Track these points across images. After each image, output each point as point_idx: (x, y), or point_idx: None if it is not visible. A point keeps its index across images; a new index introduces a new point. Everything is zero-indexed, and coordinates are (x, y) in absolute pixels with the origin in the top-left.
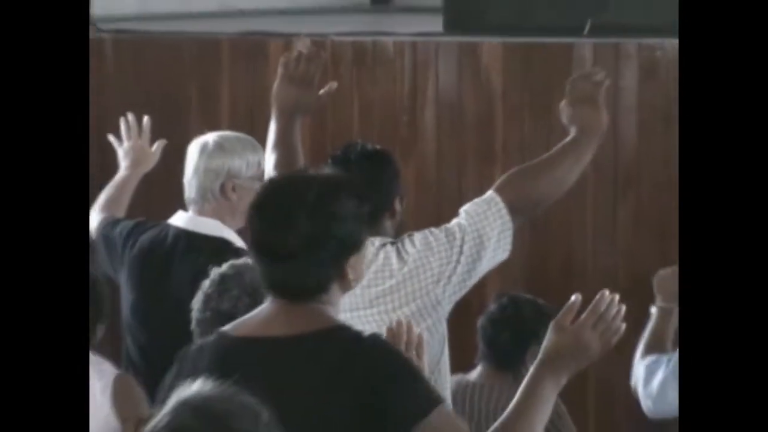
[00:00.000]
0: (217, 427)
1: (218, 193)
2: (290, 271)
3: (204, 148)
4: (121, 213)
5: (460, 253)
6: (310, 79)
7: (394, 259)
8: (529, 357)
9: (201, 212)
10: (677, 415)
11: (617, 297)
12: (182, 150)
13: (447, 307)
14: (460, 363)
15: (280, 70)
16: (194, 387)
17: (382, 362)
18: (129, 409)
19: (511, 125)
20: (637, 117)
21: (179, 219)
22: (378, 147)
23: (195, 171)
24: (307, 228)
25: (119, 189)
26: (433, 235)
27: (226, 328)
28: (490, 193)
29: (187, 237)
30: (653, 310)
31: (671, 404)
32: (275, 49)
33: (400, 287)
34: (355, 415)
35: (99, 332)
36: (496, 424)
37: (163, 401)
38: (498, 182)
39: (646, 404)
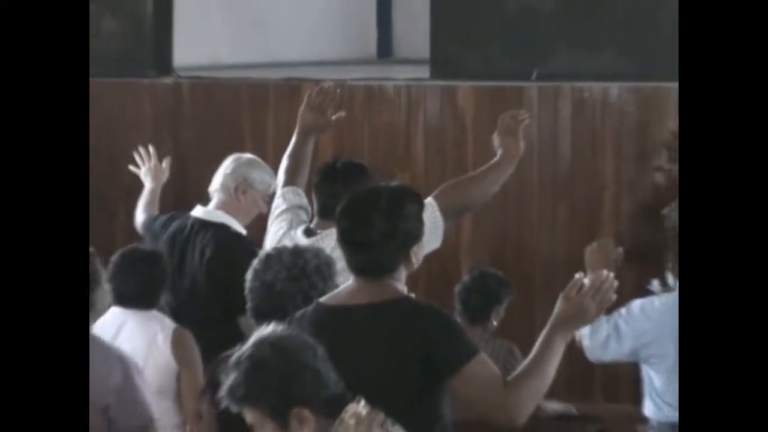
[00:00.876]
0: (286, 358)
1: (232, 191)
2: (369, 257)
3: (236, 159)
4: (156, 211)
5: None
6: (324, 108)
7: None
8: (493, 314)
9: (215, 204)
10: (610, 360)
11: (612, 275)
12: None
13: None
14: None
15: (304, 100)
16: (270, 328)
17: (435, 322)
18: (184, 354)
19: (479, 147)
20: (570, 140)
21: (197, 211)
22: (359, 161)
23: (224, 171)
24: (382, 226)
25: (150, 197)
26: None
27: (322, 299)
28: (429, 198)
29: (200, 223)
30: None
31: (610, 353)
32: (307, 91)
33: None
34: (416, 362)
35: (162, 296)
36: (522, 366)
37: None
38: (436, 190)
39: (590, 353)
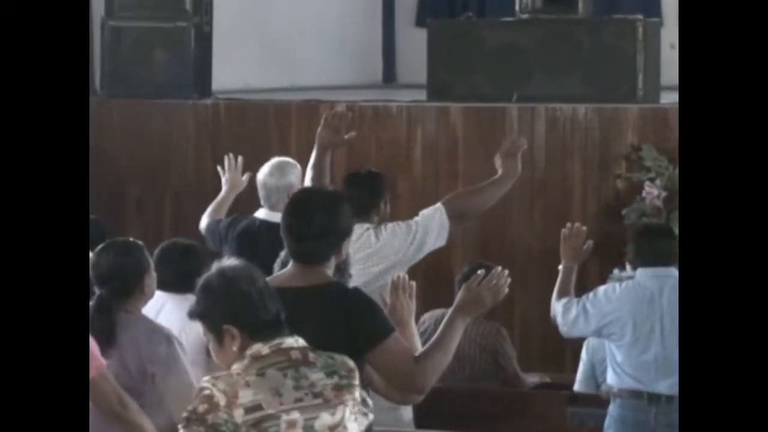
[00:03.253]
0: (225, 283)
1: (286, 199)
2: (307, 248)
3: (272, 172)
4: (221, 216)
5: (414, 239)
6: (339, 128)
7: (372, 238)
8: None
9: (274, 209)
10: (578, 335)
11: (507, 272)
12: None
13: (402, 269)
14: (441, 303)
15: (322, 121)
16: (224, 261)
17: (359, 303)
18: None
19: (468, 158)
20: (545, 151)
21: (261, 213)
22: (375, 169)
23: (269, 188)
24: (320, 221)
25: (220, 203)
26: (398, 226)
27: (267, 279)
28: (438, 203)
29: (266, 224)
30: (560, 267)
31: (578, 330)
32: (324, 110)
33: (374, 254)
34: (342, 337)
35: (197, 284)
36: (429, 344)
37: None
38: (445, 197)
39: (562, 329)
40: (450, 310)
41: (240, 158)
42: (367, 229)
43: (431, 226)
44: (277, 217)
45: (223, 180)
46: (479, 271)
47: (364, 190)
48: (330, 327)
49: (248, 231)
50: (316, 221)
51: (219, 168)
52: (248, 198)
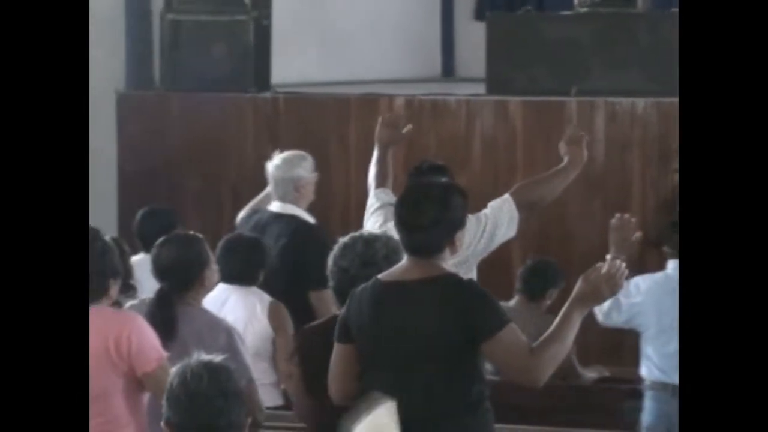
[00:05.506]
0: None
1: (293, 192)
2: (421, 239)
3: (280, 164)
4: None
5: (483, 231)
6: (397, 125)
7: None
8: (547, 295)
9: (283, 201)
10: (615, 326)
11: (624, 265)
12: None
13: (474, 261)
14: (500, 297)
15: (379, 121)
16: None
17: (474, 295)
18: (278, 322)
19: (527, 151)
20: (604, 146)
21: (273, 206)
22: (440, 162)
23: (276, 179)
24: (433, 213)
25: (264, 198)
26: (468, 219)
27: (380, 275)
28: (506, 195)
29: (276, 216)
30: (607, 257)
31: (612, 321)
32: (383, 104)
33: None
34: (457, 329)
35: (260, 276)
36: (545, 335)
37: (340, 324)
38: (512, 188)
39: (600, 319)
40: (567, 302)
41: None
42: None
43: (501, 217)
44: (286, 208)
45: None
46: (598, 264)
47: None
48: (445, 319)
49: (258, 223)
50: (429, 213)
51: (268, 164)
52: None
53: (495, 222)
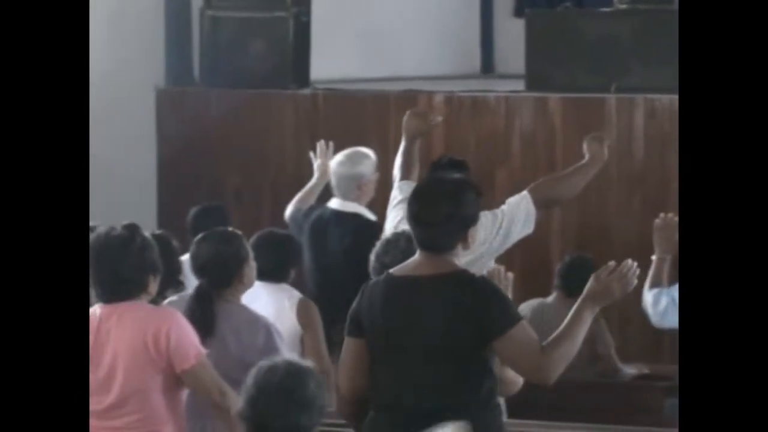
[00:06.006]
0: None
1: (356, 189)
2: (433, 235)
3: (344, 161)
4: (307, 205)
5: (499, 227)
6: (426, 116)
7: None
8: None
9: (345, 199)
10: (672, 327)
11: (635, 264)
12: None
13: (489, 258)
14: (538, 293)
15: (408, 112)
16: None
17: (486, 292)
18: (307, 320)
19: (566, 148)
20: (643, 142)
21: (333, 203)
22: (460, 158)
23: (339, 176)
24: (446, 209)
25: (309, 191)
26: (484, 215)
27: (392, 270)
28: (524, 191)
29: (337, 214)
30: (653, 258)
31: (669, 321)
32: (422, 101)
33: None
34: (468, 325)
35: (292, 273)
36: (556, 333)
37: (351, 318)
38: (531, 185)
39: (654, 319)
40: (578, 301)
41: (331, 144)
42: None
43: (517, 214)
44: (347, 206)
45: (315, 166)
46: (610, 263)
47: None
48: (456, 315)
49: (319, 220)
50: (442, 209)
51: (311, 154)
52: None
53: (511, 219)
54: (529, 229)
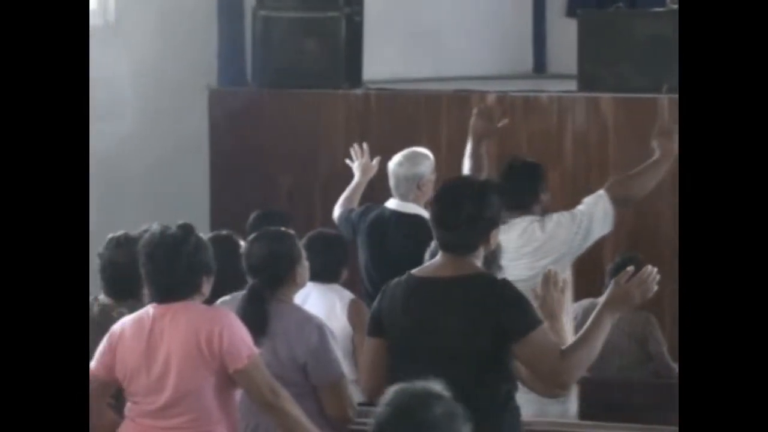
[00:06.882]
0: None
1: (415, 190)
2: (456, 237)
3: (402, 161)
4: (354, 205)
5: (579, 228)
6: (492, 117)
7: (538, 231)
8: None
9: (404, 199)
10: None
11: (656, 269)
12: None
13: (570, 259)
14: (591, 293)
15: (475, 112)
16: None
17: (507, 295)
18: (358, 320)
19: (618, 148)
20: None
21: (392, 204)
22: (531, 159)
23: (399, 177)
24: (468, 211)
25: (353, 191)
26: (563, 216)
27: (414, 271)
28: (600, 191)
29: (397, 215)
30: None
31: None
32: (474, 101)
33: (541, 247)
34: (488, 328)
35: (344, 274)
36: (575, 339)
37: (372, 318)
38: (606, 184)
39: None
40: (598, 306)
41: (365, 145)
42: (532, 221)
43: (596, 213)
44: (406, 207)
45: (354, 167)
46: (629, 268)
47: (522, 182)
48: (477, 318)
49: (379, 221)
50: (464, 210)
51: (347, 161)
52: (381, 187)
53: (591, 218)
54: (608, 227)
